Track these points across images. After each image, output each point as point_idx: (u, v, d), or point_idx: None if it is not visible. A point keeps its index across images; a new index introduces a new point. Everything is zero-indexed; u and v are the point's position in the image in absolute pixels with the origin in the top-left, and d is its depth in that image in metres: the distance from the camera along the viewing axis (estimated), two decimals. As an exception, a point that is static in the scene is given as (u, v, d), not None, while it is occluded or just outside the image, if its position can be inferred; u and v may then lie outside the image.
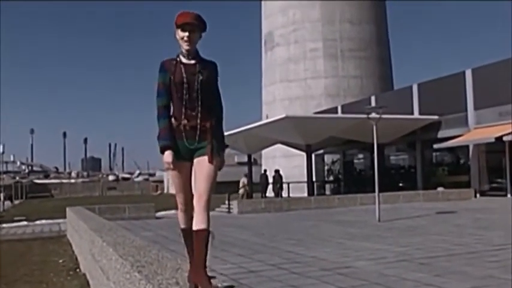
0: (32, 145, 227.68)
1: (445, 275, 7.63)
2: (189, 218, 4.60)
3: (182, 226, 4.76)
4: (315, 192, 38.80)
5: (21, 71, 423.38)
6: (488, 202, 25.28)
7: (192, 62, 4.58)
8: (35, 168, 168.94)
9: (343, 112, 41.77)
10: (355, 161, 45.48)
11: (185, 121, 4.48)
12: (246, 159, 45.32)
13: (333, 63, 54.24)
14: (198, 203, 4.43)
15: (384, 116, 18.42)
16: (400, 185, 36.12)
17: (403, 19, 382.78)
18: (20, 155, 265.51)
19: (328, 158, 47.85)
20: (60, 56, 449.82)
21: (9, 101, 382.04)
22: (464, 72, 31.51)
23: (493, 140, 26.92)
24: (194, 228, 4.38)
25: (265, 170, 40.26)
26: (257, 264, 9.00)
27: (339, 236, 13.16)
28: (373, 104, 35.24)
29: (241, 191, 37.07)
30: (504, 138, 26.53)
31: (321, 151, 44.31)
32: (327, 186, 47.91)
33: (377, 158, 18.24)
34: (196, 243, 4.39)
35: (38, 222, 26.12)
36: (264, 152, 52.34)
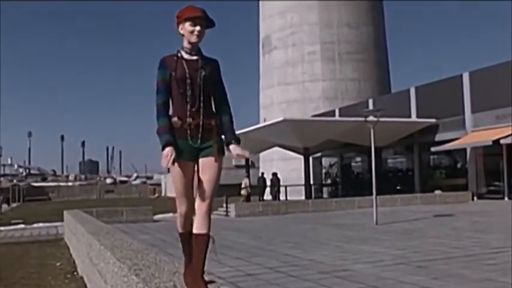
0: (29, 148, 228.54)
1: (443, 278, 7.64)
2: (190, 223, 4.46)
3: (181, 230, 4.55)
4: (313, 195, 38.82)
5: (19, 73, 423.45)
6: (486, 205, 25.30)
7: (194, 57, 4.47)
8: (32, 171, 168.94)
9: (340, 115, 41.81)
10: (353, 164, 45.51)
11: (190, 119, 4.34)
12: (243, 162, 45.33)
13: (331, 66, 54.27)
14: (200, 206, 4.35)
15: (381, 119, 18.44)
16: (398, 188, 36.11)
17: (400, 22, 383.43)
18: (18, 157, 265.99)
19: (325, 161, 47.87)
20: (58, 58, 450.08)
21: (7, 104, 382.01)
22: (461, 76, 31.57)
23: (491, 143, 26.94)
24: (195, 231, 4.31)
25: (262, 173, 40.26)
26: (255, 268, 9.01)
27: (336, 239, 13.16)
28: (370, 107, 35.22)
29: (243, 191, 37.07)
30: (501, 141, 26.56)
31: (319, 154, 44.33)
32: (325, 189, 47.88)
33: (374, 161, 18.26)
34: (196, 247, 4.32)
35: (35, 225, 26.06)
36: (261, 155, 52.33)
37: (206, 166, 4.39)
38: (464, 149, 30.99)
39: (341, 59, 54.30)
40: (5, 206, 58.96)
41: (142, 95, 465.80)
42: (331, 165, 47.47)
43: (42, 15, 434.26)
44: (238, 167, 61.68)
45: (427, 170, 35.78)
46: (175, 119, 4.35)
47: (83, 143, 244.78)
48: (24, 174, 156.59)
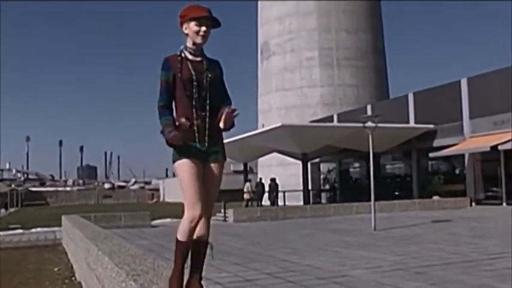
0: (27, 153, 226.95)
1: (441, 283, 7.64)
2: (195, 229, 4.24)
3: (184, 239, 4.21)
4: (311, 200, 38.81)
5: (16, 77, 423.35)
6: (484, 211, 25.31)
7: (198, 58, 4.37)
8: (30, 176, 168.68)
9: (339, 121, 41.85)
10: (351, 169, 45.52)
11: (198, 121, 4.23)
12: (242, 167, 45.32)
13: (329, 72, 54.35)
14: (204, 212, 4.26)
15: (379, 124, 18.44)
16: (396, 193, 36.12)
17: (399, 28, 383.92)
18: (16, 162, 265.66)
19: (324, 167, 47.88)
20: (56, 62, 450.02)
21: (5, 108, 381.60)
22: (459, 82, 31.63)
23: (489, 149, 26.98)
24: (195, 237, 4.25)
25: (260, 179, 40.27)
26: (253, 273, 9.00)
27: (334, 244, 13.16)
28: (369, 112, 35.27)
29: (246, 195, 37.09)
30: (499, 147, 26.60)
31: (317, 160, 44.35)
32: (323, 194, 47.87)
33: (373, 166, 18.27)
34: (195, 252, 4.29)
35: (33, 230, 26.03)
36: (260, 160, 52.37)
37: (212, 171, 4.31)
38: (463, 155, 31.03)
39: (339, 65, 54.40)
40: (3, 211, 59.04)
41: (141, 100, 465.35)
42: (329, 171, 47.49)
43: (42, 17, 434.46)
44: (236, 172, 61.74)
45: (425, 176, 35.81)
46: (183, 119, 4.23)
47: (81, 148, 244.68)
48: (22, 179, 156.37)
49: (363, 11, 56.45)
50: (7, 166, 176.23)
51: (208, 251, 4.37)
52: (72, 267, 12.31)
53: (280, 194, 36.89)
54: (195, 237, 4.24)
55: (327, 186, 48.03)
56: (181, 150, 4.20)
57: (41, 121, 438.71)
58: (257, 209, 26.80)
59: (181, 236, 4.21)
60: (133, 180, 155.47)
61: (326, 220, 22.61)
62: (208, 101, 4.28)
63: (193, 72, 4.26)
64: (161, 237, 16.85)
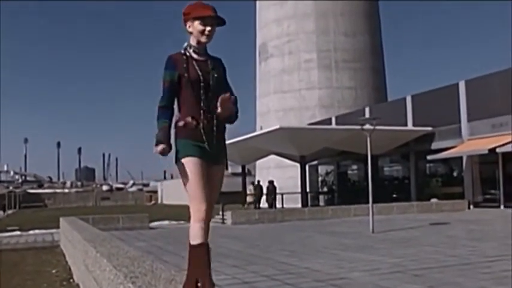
0: (25, 155, 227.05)
1: (439, 286, 7.65)
2: (208, 230, 4.15)
3: (200, 240, 4.09)
4: (309, 203, 38.84)
5: (14, 79, 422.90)
6: (482, 213, 25.33)
7: (203, 58, 4.28)
8: (28, 178, 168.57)
9: (337, 123, 41.87)
10: (349, 172, 45.54)
11: (205, 122, 4.14)
12: (240, 170, 45.33)
13: (327, 74, 54.37)
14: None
15: (377, 127, 18.45)
16: (394, 196, 36.17)
17: (397, 30, 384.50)
18: (14, 164, 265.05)
19: (322, 169, 47.89)
20: (54, 65, 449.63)
21: (3, 110, 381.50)
22: (457, 84, 31.67)
23: (486, 151, 27.01)
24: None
25: (258, 181, 40.30)
26: (251, 275, 9.01)
27: (332, 247, 13.16)
28: (367, 115, 35.36)
29: (249, 198, 37.19)
30: (497, 150, 26.63)
31: (315, 162, 44.35)
32: (321, 197, 47.91)
33: (371, 169, 18.27)
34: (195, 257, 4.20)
35: (31, 232, 26.00)
36: (258, 162, 52.34)
37: (215, 173, 4.25)
38: (461, 158, 31.07)
39: (337, 67, 54.43)
40: (0, 213, 59.05)
41: (140, 102, 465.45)
42: (327, 173, 47.50)
43: (40, 18, 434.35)
44: (234, 174, 61.69)
45: (424, 178, 35.84)
46: (189, 118, 4.15)
47: (79, 150, 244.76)
48: (20, 181, 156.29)
49: (361, 13, 56.50)
50: (5, 168, 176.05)
51: None
52: (70, 269, 12.30)
53: (278, 196, 36.92)
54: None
55: (325, 189, 48.04)
56: (187, 149, 4.12)
57: (39, 123, 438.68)
58: (255, 211, 26.80)
59: (193, 239, 4.10)
60: (131, 182, 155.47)
61: (324, 222, 22.61)
62: (214, 101, 4.18)
63: (200, 73, 4.18)
64: (159, 239, 16.85)
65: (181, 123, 4.17)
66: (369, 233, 16.61)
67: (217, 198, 4.33)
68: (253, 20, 62.54)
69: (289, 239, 16.02)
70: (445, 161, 33.07)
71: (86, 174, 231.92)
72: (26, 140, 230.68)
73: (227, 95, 4.14)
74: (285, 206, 36.19)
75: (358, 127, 18.98)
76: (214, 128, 4.18)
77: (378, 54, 58.33)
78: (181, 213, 39.32)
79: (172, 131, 4.20)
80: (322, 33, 54.81)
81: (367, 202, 18.43)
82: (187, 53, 4.26)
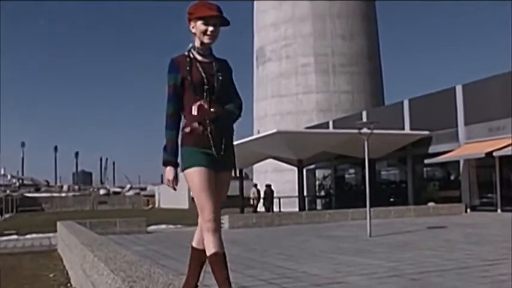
0: (22, 158, 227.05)
1: (436, 290, 7.65)
2: (221, 239, 4.06)
3: (214, 250, 4.00)
4: (306, 207, 38.81)
5: (11, 83, 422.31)
6: (479, 217, 25.35)
7: (208, 59, 4.16)
8: (25, 182, 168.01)
9: (334, 127, 41.90)
10: (347, 176, 45.56)
11: (211, 126, 4.00)
12: (237, 173, 45.31)
13: (325, 78, 54.46)
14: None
15: (375, 131, 18.46)
16: (391, 200, 36.19)
17: (394, 33, 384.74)
18: (11, 168, 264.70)
19: (319, 173, 47.90)
20: (51, 68, 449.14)
21: (0, 114, 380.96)
22: (454, 88, 31.72)
23: (483, 155, 27.05)
24: (200, 246, 4.21)
25: (255, 185, 40.32)
26: (248, 280, 9.00)
27: (330, 251, 13.16)
28: (364, 119, 35.34)
29: (252, 202, 37.22)
30: (494, 154, 26.67)
31: (313, 166, 44.37)
32: (318, 201, 47.91)
33: (368, 173, 18.30)
34: (196, 262, 4.28)
35: (28, 236, 25.94)
36: (255, 166, 52.39)
37: (223, 179, 4.17)
38: (458, 161, 31.10)
39: (335, 71, 54.53)
40: (-3, 217, 58.83)
41: (137, 106, 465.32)
42: (324, 177, 47.51)
43: (36, 21, 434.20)
44: (232, 178, 61.61)
45: (421, 182, 35.88)
46: (195, 124, 4.01)
47: (77, 154, 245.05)
48: (17, 184, 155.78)
49: (358, 16, 56.65)
50: (2, 172, 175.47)
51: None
52: (67, 273, 12.29)
53: (275, 200, 36.93)
54: (200, 246, 4.18)
55: (323, 193, 48.05)
56: (193, 158, 3.99)
57: (36, 127, 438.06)
58: (252, 215, 26.77)
59: (209, 249, 4.02)
60: (128, 186, 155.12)
61: (321, 226, 22.60)
62: (221, 105, 4.09)
63: (203, 75, 4.06)
64: (157, 243, 16.84)
65: (187, 130, 4.05)
66: (366, 236, 16.61)
67: (224, 199, 4.23)
68: (251, 24, 62.66)
69: (286, 243, 16.02)
70: (442, 164, 33.13)
71: (83, 178, 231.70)
72: (23, 144, 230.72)
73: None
74: (282, 210, 36.19)
75: (356, 131, 19.01)
76: (222, 131, 4.08)
77: (375, 58, 58.48)
78: (179, 217, 39.33)
79: (179, 138, 4.10)
80: (320, 36, 54.90)
81: (365, 206, 18.42)
82: (191, 55, 4.15)
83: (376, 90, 57.73)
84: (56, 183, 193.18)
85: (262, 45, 58.53)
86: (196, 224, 4.36)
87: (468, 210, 29.49)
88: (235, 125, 4.29)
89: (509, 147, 25.98)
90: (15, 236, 26.34)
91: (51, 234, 23.53)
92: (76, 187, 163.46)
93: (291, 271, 9.80)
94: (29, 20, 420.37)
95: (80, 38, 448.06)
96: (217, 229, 4.00)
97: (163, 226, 28.49)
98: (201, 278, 4.51)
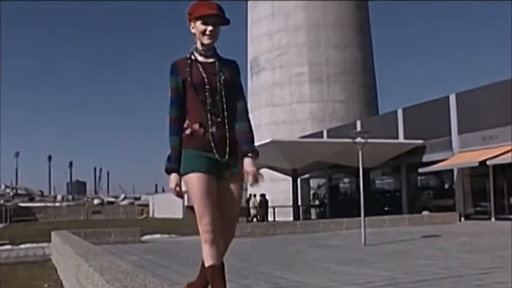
0: (16, 168, 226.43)
1: (431, 299, 7.66)
2: (219, 250, 4.05)
3: (211, 262, 3.99)
4: (301, 216, 38.80)
5: (5, 92, 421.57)
6: (473, 226, 25.39)
7: (210, 60, 4.03)
8: (19, 192, 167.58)
9: (328, 136, 41.92)
10: (341, 185, 45.56)
11: (214, 129, 3.89)
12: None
13: (319, 88, 54.55)
14: (227, 233, 4.20)
15: (369, 140, 18.49)
16: (386, 209, 36.21)
17: (388, 43, 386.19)
18: (5, 178, 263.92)
19: (313, 182, 47.89)
20: (45, 77, 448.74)
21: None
22: (448, 97, 31.83)
23: (477, 164, 27.11)
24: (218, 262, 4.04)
25: (250, 195, 40.28)
26: (243, 289, 8.99)
27: (324, 260, 13.15)
28: (358, 128, 35.44)
29: (252, 211, 37.13)
30: (488, 162, 26.74)
31: (307, 175, 44.36)
32: (313, 210, 47.86)
33: (362, 182, 18.31)
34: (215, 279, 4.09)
35: (22, 246, 25.85)
36: (249, 176, 52.26)
37: (231, 186, 4.03)
38: (452, 170, 31.17)
39: (329, 81, 54.63)
40: (-9, 227, 58.61)
41: (132, 116, 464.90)
42: (319, 187, 47.51)
43: (28, 26, 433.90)
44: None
45: (415, 191, 35.93)
46: (196, 126, 3.91)
47: (71, 164, 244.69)
48: (11, 194, 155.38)
49: (352, 26, 56.80)
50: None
51: None
52: (61, 283, 12.24)
53: (270, 210, 36.90)
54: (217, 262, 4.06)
55: (317, 202, 48.03)
56: (192, 163, 3.86)
57: (30, 136, 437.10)
58: (247, 225, 26.76)
59: (206, 260, 3.98)
60: (122, 195, 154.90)
61: (316, 236, 22.59)
62: (225, 106, 3.95)
63: (204, 75, 3.95)
64: (151, 253, 16.79)
65: (188, 131, 3.93)
66: (361, 246, 16.61)
67: (237, 212, 4.13)
68: (245, 34, 62.76)
69: (281, 252, 16.01)
70: (436, 173, 33.20)
71: (77, 188, 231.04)
72: (17, 154, 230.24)
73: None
74: (276, 219, 36.17)
75: (350, 140, 19.02)
76: (227, 134, 3.95)
77: (369, 68, 58.63)
78: (173, 226, 39.22)
79: None
80: (314, 46, 55.02)
81: (359, 215, 18.42)
82: (193, 56, 4.05)
83: (370, 100, 57.86)
84: (50, 193, 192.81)
85: (256, 55, 58.62)
86: (192, 233, 4.34)
87: (462, 218, 29.54)
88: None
89: (503, 156, 26.08)
90: (9, 246, 26.24)
91: (45, 244, 23.44)
92: (70, 197, 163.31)
93: (286, 281, 9.79)
94: (21, 25, 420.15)
95: (73, 47, 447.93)
96: (215, 240, 3.95)
97: (157, 236, 28.40)
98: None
